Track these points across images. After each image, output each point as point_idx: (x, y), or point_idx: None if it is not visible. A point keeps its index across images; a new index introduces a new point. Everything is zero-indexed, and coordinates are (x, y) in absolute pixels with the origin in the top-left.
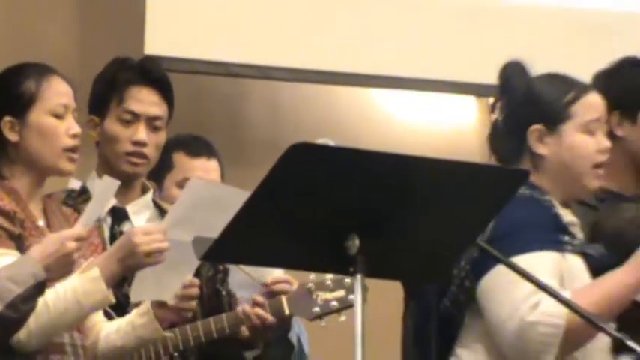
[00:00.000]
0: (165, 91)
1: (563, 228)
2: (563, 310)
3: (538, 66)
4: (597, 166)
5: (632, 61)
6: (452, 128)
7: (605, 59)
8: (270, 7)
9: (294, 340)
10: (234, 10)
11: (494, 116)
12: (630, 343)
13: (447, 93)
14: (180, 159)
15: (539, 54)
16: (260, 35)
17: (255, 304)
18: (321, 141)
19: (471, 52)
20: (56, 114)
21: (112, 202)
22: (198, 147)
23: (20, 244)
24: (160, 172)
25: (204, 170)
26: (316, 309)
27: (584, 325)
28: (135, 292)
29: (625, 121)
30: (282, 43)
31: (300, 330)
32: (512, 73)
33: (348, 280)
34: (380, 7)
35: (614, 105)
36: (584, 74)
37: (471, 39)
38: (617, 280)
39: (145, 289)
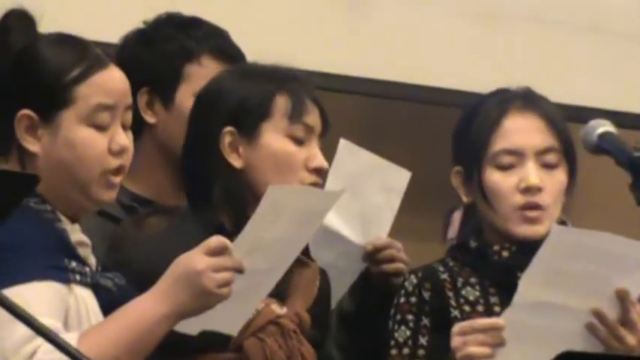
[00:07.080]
0: None
1: (70, 250)
2: None
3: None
4: (108, 172)
5: (173, 20)
6: None
7: None
8: None
9: None
10: None
11: None
12: None
13: None
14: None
15: None
16: None
17: None
18: None
19: None
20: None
21: None
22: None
23: None
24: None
25: None
26: None
27: None
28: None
29: (157, 104)
30: None
31: None
32: (13, 27)
33: None
34: None
35: (145, 80)
36: None
37: None
38: (140, 311)
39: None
